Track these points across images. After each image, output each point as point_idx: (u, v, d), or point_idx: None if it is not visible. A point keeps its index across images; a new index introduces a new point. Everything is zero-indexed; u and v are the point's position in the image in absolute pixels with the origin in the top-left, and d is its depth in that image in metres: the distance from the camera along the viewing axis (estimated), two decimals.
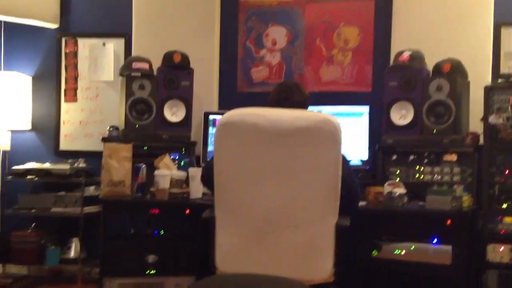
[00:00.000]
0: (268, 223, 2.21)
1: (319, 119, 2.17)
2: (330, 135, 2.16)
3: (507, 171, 2.96)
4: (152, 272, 3.17)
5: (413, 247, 2.93)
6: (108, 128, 3.68)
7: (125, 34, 4.24)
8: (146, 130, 3.60)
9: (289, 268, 2.21)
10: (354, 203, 2.60)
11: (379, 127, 3.42)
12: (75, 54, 4.35)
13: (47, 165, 3.97)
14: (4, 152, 4.26)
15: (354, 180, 2.57)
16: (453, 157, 3.15)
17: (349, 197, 2.41)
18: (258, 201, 2.22)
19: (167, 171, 3.22)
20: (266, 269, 2.10)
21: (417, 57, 3.35)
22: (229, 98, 4.10)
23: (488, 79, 3.37)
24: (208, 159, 2.75)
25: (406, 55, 3.37)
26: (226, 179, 2.26)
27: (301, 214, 2.21)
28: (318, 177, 2.19)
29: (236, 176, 2.24)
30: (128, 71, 3.67)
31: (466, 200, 2.91)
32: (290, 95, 2.61)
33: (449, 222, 2.81)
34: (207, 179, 2.47)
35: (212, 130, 3.67)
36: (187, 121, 3.67)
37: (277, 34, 4.06)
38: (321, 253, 2.23)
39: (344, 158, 2.33)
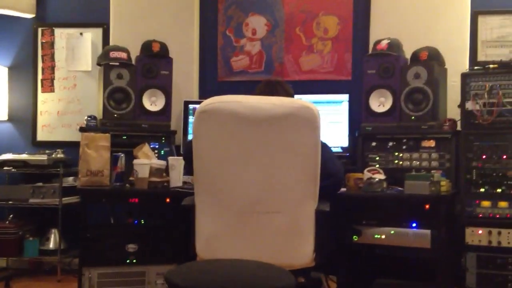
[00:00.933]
0: (248, 209, 2.22)
1: (298, 106, 2.19)
2: (309, 122, 2.17)
3: (484, 156, 2.99)
4: (133, 261, 3.15)
5: (393, 231, 2.96)
6: (86, 118, 3.64)
7: (103, 23, 4.20)
8: (125, 120, 3.58)
9: (269, 253, 2.21)
10: (334, 189, 2.60)
11: (359, 114, 3.44)
12: (52, 44, 4.30)
13: (24, 156, 3.93)
14: None
15: (335, 167, 2.58)
16: (431, 143, 3.19)
17: (328, 183, 2.42)
18: (238, 187, 2.22)
19: (146, 160, 3.19)
20: (246, 255, 2.12)
21: (395, 45, 3.38)
22: (210, 87, 4.09)
23: (465, 67, 3.41)
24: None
25: (384, 43, 3.39)
26: (205, 165, 2.25)
27: (280, 199, 2.22)
28: (297, 163, 2.20)
29: (216, 163, 2.24)
30: (106, 60, 3.64)
31: (444, 185, 2.94)
32: (274, 92, 2.64)
33: (427, 206, 2.84)
34: (188, 159, 2.48)
35: (192, 119, 3.65)
36: (166, 110, 3.65)
37: (257, 23, 4.06)
38: (301, 238, 2.23)
39: (324, 144, 2.35)
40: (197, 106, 3.64)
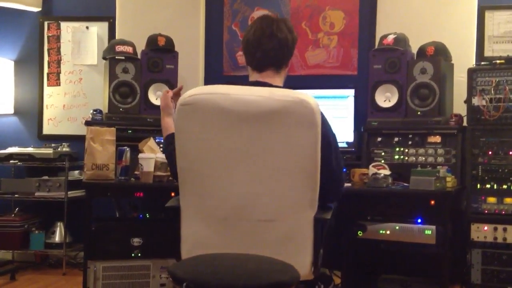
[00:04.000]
0: (237, 216, 1.97)
1: (293, 100, 1.87)
2: (306, 118, 1.87)
3: (490, 152, 2.98)
4: (138, 255, 3.16)
5: (398, 227, 2.95)
6: (91, 111, 3.65)
7: (109, 17, 4.20)
8: (130, 113, 3.58)
9: None
10: (335, 193, 2.21)
11: (364, 109, 3.43)
12: (58, 38, 4.30)
13: (30, 150, 3.94)
14: None
15: (336, 169, 2.16)
16: (437, 139, 3.17)
17: (328, 185, 2.07)
18: (227, 192, 1.96)
19: (151, 154, 3.19)
20: None
21: (401, 40, 3.36)
22: (215, 81, 4.01)
23: (472, 62, 3.39)
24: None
25: (390, 38, 3.38)
26: (190, 165, 1.99)
27: (274, 206, 1.95)
28: (293, 166, 1.92)
29: (201, 163, 1.97)
30: (112, 54, 3.64)
31: (450, 181, 2.93)
32: (276, 31, 2.19)
33: (433, 202, 2.83)
34: (168, 156, 2.30)
35: None
36: None
37: None
38: (297, 250, 1.97)
39: (328, 142, 2.06)
40: None
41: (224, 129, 1.92)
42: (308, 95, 1.92)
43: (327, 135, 2.07)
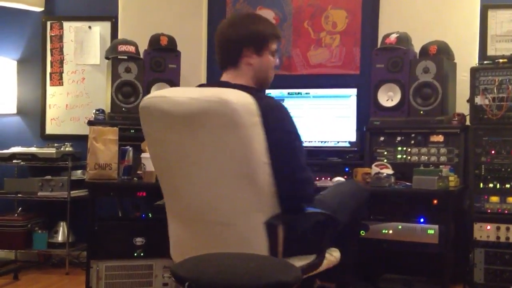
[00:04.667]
0: (199, 217, 1.99)
1: (215, 100, 1.80)
2: (227, 119, 1.79)
3: (493, 151, 2.98)
4: (140, 254, 3.16)
5: (400, 226, 2.95)
6: (94, 111, 3.66)
7: (112, 17, 4.20)
8: (133, 113, 3.57)
9: None
10: (300, 196, 2.02)
11: (367, 109, 3.43)
12: (60, 38, 4.31)
13: (33, 149, 3.94)
14: None
15: (294, 170, 1.97)
16: (440, 138, 3.17)
17: (287, 188, 1.93)
18: (188, 192, 1.97)
19: None
20: None
21: (404, 39, 3.36)
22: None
23: (474, 61, 3.38)
24: None
25: (393, 37, 3.37)
26: (157, 165, 2.09)
27: (227, 209, 1.92)
28: (229, 169, 1.87)
29: (161, 164, 2.06)
30: (114, 54, 3.64)
31: (453, 180, 2.93)
32: (223, 29, 2.17)
33: (435, 201, 2.83)
34: None
35: None
36: None
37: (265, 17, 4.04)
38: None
39: (279, 141, 1.90)
40: None
41: (170, 131, 1.92)
42: (230, 93, 1.82)
43: (278, 135, 1.91)
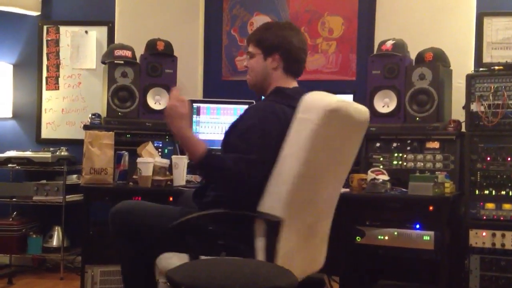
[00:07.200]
0: (317, 224, 2.21)
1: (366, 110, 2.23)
2: (365, 127, 2.25)
3: (489, 158, 2.98)
4: None
5: (396, 232, 2.95)
6: (90, 116, 3.65)
7: (108, 22, 4.21)
8: (129, 118, 3.58)
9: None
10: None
11: None
12: (57, 42, 4.31)
13: (28, 153, 3.93)
14: None
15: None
16: (436, 144, 3.17)
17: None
18: (323, 196, 2.16)
19: (150, 158, 3.19)
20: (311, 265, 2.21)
21: (400, 46, 3.37)
22: (214, 86, 4.09)
23: (470, 68, 3.39)
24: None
25: (389, 44, 3.38)
26: (313, 171, 1.99)
27: (333, 205, 2.29)
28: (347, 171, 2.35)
29: (323, 170, 2.06)
30: (111, 59, 3.64)
31: (448, 187, 2.93)
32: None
33: (431, 208, 2.83)
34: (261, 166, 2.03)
35: (196, 118, 3.65)
36: None
37: (262, 23, 4.05)
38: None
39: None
40: (201, 105, 3.69)
41: (347, 138, 2.12)
42: None
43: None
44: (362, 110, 2.13)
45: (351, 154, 2.21)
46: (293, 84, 2.31)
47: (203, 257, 2.00)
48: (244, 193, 2.01)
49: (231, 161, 2.00)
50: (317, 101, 1.95)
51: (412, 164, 3.20)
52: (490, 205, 2.95)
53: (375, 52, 3.51)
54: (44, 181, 3.90)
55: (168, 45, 3.71)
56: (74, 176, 3.97)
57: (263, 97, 2.41)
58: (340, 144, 2.09)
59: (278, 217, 1.93)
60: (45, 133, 4.28)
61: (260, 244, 1.96)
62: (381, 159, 3.28)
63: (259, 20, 4.06)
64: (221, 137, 2.28)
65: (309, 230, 2.10)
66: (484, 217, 2.95)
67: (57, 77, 4.29)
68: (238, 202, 2.03)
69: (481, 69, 3.13)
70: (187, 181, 3.19)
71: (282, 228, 1.93)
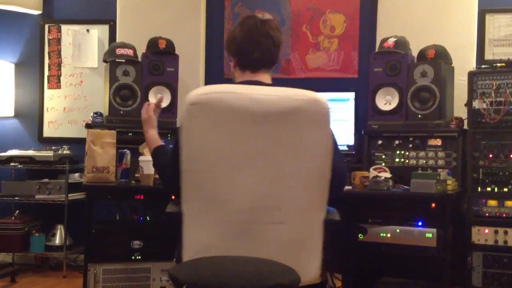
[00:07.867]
0: (248, 219, 1.90)
1: (308, 99, 1.87)
2: (320, 117, 1.87)
3: (491, 155, 2.98)
4: (138, 257, 3.16)
5: (398, 230, 2.95)
6: (91, 114, 3.65)
7: (110, 20, 4.21)
8: (130, 116, 3.58)
9: None
10: (337, 195, 2.10)
11: (365, 112, 3.43)
12: (58, 41, 4.31)
13: (30, 152, 3.94)
14: None
15: (341, 166, 2.12)
16: (438, 142, 3.17)
17: (334, 186, 2.00)
18: (238, 194, 1.90)
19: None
20: None
21: (402, 43, 3.36)
22: (216, 84, 4.07)
23: (472, 65, 3.39)
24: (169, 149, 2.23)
25: (391, 41, 3.38)
26: (198, 167, 1.89)
27: (286, 208, 1.90)
28: (306, 166, 1.89)
29: (211, 165, 1.89)
30: (112, 57, 3.64)
31: (451, 184, 2.93)
32: (270, 30, 2.17)
33: (433, 205, 2.82)
34: (163, 168, 2.23)
35: None
36: (172, 107, 3.65)
37: None
38: (308, 253, 1.94)
39: (334, 141, 2.02)
40: None
41: (236, 130, 1.86)
42: (318, 94, 1.91)
43: (333, 135, 2.01)
44: (265, 98, 1.88)
45: (274, 144, 1.88)
46: (245, 77, 2.16)
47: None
48: (172, 188, 2.08)
49: (166, 158, 2.15)
50: (188, 96, 1.88)
51: (414, 161, 3.20)
52: (492, 202, 2.95)
53: (377, 49, 3.51)
54: (46, 180, 3.91)
55: (170, 44, 3.71)
56: (76, 174, 3.97)
57: None
58: (237, 137, 1.87)
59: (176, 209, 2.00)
60: (47, 132, 4.29)
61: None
62: (383, 156, 3.28)
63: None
64: None
65: (237, 231, 1.91)
66: (487, 214, 2.95)
67: (59, 76, 4.29)
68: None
69: (483, 66, 3.13)
70: None
71: (185, 221, 1.93)
